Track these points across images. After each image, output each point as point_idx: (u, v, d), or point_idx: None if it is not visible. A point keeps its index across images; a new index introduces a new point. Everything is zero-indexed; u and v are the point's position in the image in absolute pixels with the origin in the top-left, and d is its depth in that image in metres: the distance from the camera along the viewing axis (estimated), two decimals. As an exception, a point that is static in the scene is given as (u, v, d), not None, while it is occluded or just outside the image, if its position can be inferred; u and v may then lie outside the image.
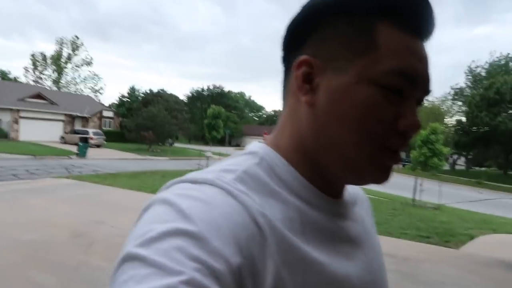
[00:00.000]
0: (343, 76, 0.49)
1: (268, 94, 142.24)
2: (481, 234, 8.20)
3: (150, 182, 12.18)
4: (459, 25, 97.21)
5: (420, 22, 0.50)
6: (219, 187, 0.46)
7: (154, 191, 10.43)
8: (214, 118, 18.72)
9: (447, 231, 8.10)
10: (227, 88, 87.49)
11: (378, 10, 0.49)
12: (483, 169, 40.73)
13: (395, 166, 0.52)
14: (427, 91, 0.52)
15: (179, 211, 0.41)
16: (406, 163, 37.42)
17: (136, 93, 53.79)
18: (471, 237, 7.71)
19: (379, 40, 0.48)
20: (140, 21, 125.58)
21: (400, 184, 18.00)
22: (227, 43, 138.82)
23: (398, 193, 14.42)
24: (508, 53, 38.07)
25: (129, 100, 52.68)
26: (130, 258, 0.38)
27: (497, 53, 58.07)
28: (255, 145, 0.57)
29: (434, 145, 11.79)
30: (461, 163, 42.79)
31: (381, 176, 0.51)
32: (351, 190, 0.64)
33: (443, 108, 41.17)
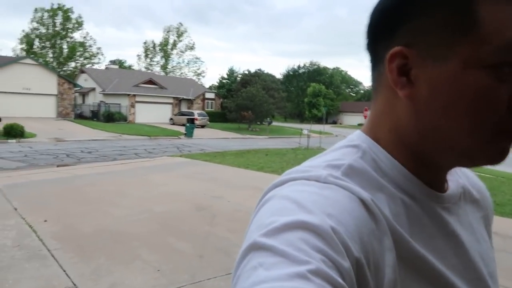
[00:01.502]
0: (446, 64, 0.45)
1: (366, 67, 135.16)
2: None
3: (256, 160, 12.71)
4: None
5: None
6: (334, 183, 0.46)
7: (260, 168, 10.92)
8: (314, 96, 18.62)
9: None
10: (322, 64, 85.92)
11: None
12: None
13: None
14: None
15: (298, 205, 0.42)
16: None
17: (235, 74, 55.66)
18: None
19: (482, 15, 0.43)
20: (236, 1, 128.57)
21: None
22: (322, 18, 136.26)
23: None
24: None
25: (228, 81, 54.80)
26: (257, 247, 0.39)
27: None
28: (356, 136, 0.55)
29: None
30: None
31: (498, 158, 0.47)
32: (464, 181, 0.61)
33: None
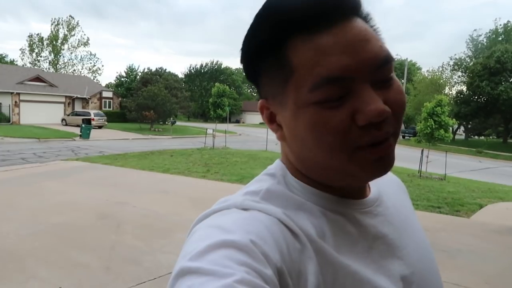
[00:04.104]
0: (287, 109, 0.50)
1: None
2: (489, 202, 8.44)
3: (161, 162, 12.34)
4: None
5: (318, 13, 0.46)
6: (251, 208, 0.50)
7: (166, 170, 10.63)
8: (219, 97, 18.67)
9: (456, 201, 8.33)
10: (225, 64, 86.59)
11: (282, 32, 0.48)
12: (482, 138, 40.98)
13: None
14: (380, 67, 0.47)
15: (221, 229, 0.45)
16: (406, 135, 37.67)
17: (135, 72, 53.29)
18: (480, 206, 7.94)
19: (294, 61, 0.47)
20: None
21: (401, 156, 18.22)
22: (226, 18, 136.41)
23: (401, 165, 14.64)
24: (509, 21, 37.73)
25: (127, 79, 52.26)
26: (185, 272, 0.41)
27: (503, 19, 57.02)
28: (273, 165, 0.60)
29: (440, 117, 11.89)
30: (460, 132, 42.98)
31: (378, 169, 0.49)
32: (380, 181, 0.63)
33: (442, 79, 40.98)
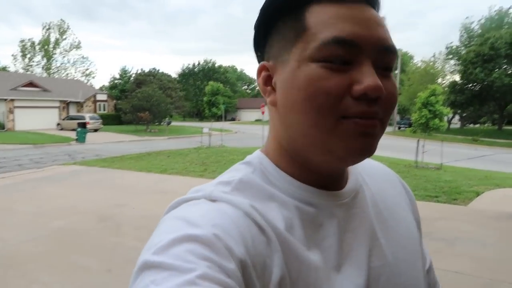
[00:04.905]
0: (287, 66, 0.51)
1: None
2: (486, 190, 8.50)
3: (158, 163, 12.33)
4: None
5: None
6: (220, 199, 0.50)
7: (163, 171, 10.63)
8: (213, 95, 18.68)
9: (453, 189, 8.38)
10: (218, 62, 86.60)
11: None
12: (477, 126, 41.18)
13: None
14: (385, 51, 0.50)
15: (187, 222, 0.45)
16: (402, 126, 37.76)
17: (128, 74, 53.09)
18: (477, 194, 8.00)
19: (308, 21, 0.49)
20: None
21: (397, 147, 18.27)
22: (218, 16, 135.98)
23: (398, 156, 14.70)
24: (501, 7, 37.81)
25: (121, 81, 52.08)
26: (147, 266, 0.41)
27: (496, 6, 57.21)
28: (251, 155, 0.60)
29: (434, 107, 11.95)
30: (455, 121, 43.12)
31: (358, 146, 0.48)
32: (368, 171, 0.65)
33: (436, 68, 41.06)
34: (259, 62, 0.58)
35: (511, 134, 31.77)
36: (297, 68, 0.49)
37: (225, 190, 0.52)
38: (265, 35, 0.55)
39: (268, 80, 0.55)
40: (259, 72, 0.56)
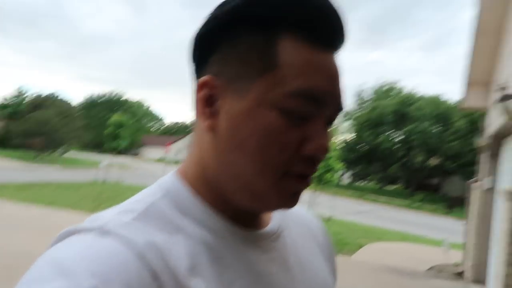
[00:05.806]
0: (243, 99, 0.46)
1: (175, 101, 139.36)
2: (368, 242, 9.30)
3: (45, 194, 11.24)
4: (360, 48, 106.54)
5: (327, 33, 0.47)
6: (113, 234, 0.42)
7: (50, 203, 9.71)
8: (117, 128, 17.94)
9: (340, 240, 9.01)
10: (129, 94, 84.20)
11: (279, 22, 0.46)
12: (366, 182, 45.09)
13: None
14: (338, 109, 0.49)
15: (59, 269, 0.38)
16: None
17: (23, 94, 48.60)
18: (360, 246, 8.71)
19: (281, 57, 0.45)
20: (34, 14, 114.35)
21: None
22: (134, 48, 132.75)
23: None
24: (389, 81, 43.12)
25: (16, 100, 47.34)
26: None
27: (384, 78, 65.86)
28: (165, 177, 0.53)
29: (328, 161, 12.90)
30: (348, 176, 46.76)
31: (289, 203, 0.48)
32: (294, 215, 0.62)
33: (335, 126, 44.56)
34: (195, 73, 0.51)
35: (391, 193, 35.62)
36: (256, 108, 0.45)
37: (126, 220, 0.44)
38: (213, 45, 0.48)
39: (209, 101, 0.48)
40: (200, 87, 0.48)
